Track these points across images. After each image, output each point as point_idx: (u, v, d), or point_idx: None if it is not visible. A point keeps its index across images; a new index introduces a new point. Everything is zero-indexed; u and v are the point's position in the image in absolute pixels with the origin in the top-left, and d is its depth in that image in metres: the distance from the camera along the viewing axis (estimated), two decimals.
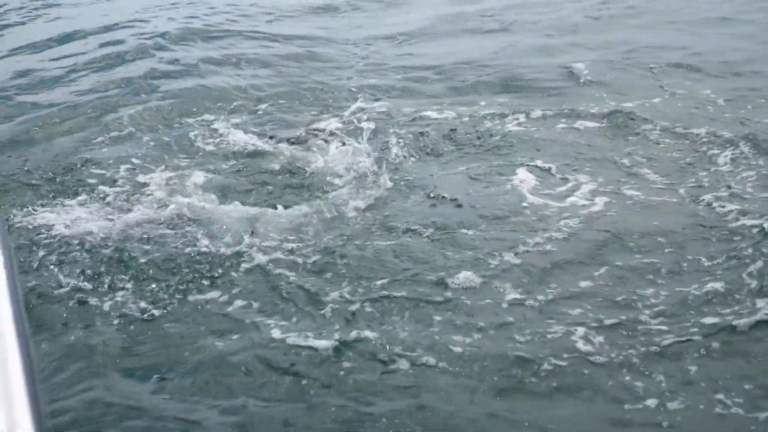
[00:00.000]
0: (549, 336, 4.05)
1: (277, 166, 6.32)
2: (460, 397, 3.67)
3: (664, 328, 4.05)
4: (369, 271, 4.72)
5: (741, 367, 3.75)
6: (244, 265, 4.82)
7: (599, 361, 3.84)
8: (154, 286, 4.65)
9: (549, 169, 6.00)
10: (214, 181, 6.01)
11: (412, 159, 6.32)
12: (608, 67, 8.43)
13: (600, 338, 4.01)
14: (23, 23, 12.01)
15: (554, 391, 3.68)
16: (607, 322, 4.14)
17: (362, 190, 5.78)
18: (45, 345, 4.12)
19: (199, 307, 4.44)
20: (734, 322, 4.02)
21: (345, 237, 5.14)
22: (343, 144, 6.58)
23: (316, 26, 11.01)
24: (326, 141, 6.71)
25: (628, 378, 3.73)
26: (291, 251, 4.96)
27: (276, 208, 5.50)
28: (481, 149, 6.48)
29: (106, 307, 4.46)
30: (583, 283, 4.50)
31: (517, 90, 7.94)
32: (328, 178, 6.02)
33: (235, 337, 4.18)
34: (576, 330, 4.07)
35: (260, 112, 7.66)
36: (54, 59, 9.77)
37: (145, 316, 4.38)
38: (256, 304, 4.46)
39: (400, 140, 6.68)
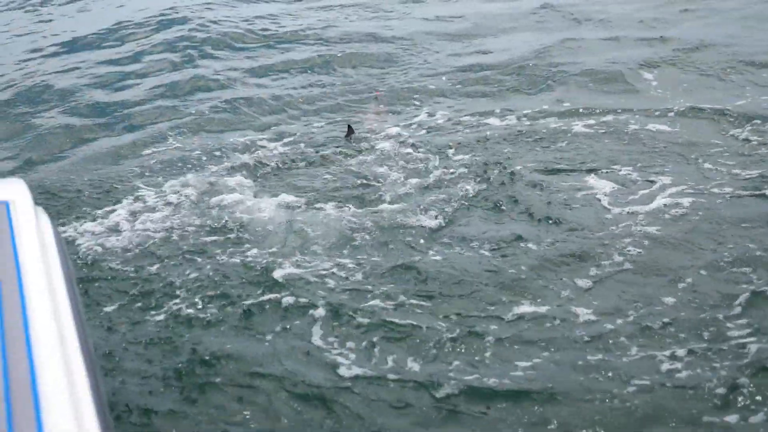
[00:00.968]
0: (637, 364, 3.73)
1: (331, 173, 6.14)
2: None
3: None
4: (426, 289, 4.44)
5: None
6: (293, 275, 4.63)
7: (702, 391, 3.52)
8: (201, 294, 4.51)
9: (625, 173, 5.69)
10: (263, 188, 5.88)
11: (476, 164, 6.04)
12: (680, 63, 8.07)
13: (698, 366, 3.68)
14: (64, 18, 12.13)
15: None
16: (699, 347, 3.81)
17: (422, 197, 5.56)
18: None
19: (245, 318, 4.29)
20: None
21: (404, 250, 4.89)
22: (402, 147, 6.41)
23: (367, 23, 10.88)
24: (384, 145, 6.56)
25: (739, 414, 3.40)
26: (342, 264, 4.74)
27: (330, 217, 5.31)
28: (550, 153, 6.19)
29: (155, 314, 4.37)
30: (676, 302, 4.17)
31: (583, 89, 7.63)
32: (385, 186, 5.79)
33: (280, 348, 4.02)
34: (667, 356, 3.76)
35: (312, 116, 7.54)
36: (98, 63, 9.82)
37: (193, 323, 4.27)
38: (305, 321, 4.22)
39: (462, 144, 6.44)
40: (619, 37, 9.25)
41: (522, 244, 4.85)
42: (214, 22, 10.87)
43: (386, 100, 7.75)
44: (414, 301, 4.34)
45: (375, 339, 4.04)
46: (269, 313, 4.33)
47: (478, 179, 5.79)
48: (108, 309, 4.46)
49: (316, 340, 4.08)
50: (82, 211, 5.71)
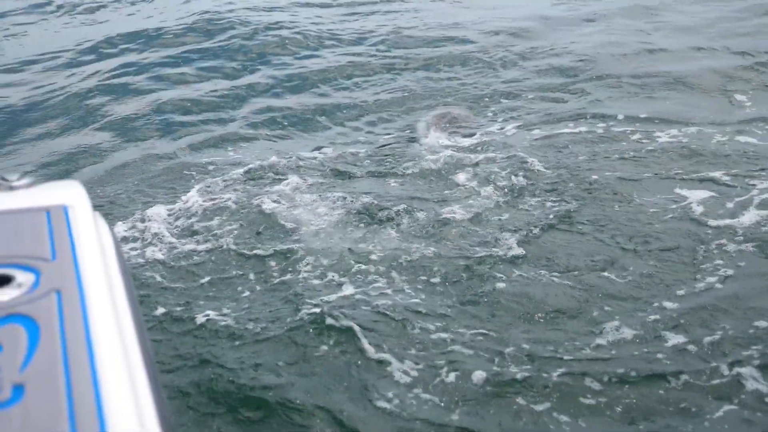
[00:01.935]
0: (735, 411, 3.48)
1: (392, 185, 5.91)
2: None
3: None
4: (497, 319, 4.12)
5: None
6: (345, 296, 4.35)
7: None
8: (249, 303, 4.38)
9: (717, 184, 5.39)
10: (318, 200, 5.66)
11: (553, 177, 5.72)
12: (761, 68, 7.80)
13: None
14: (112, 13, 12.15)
15: None
16: None
17: (493, 213, 5.27)
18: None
19: (293, 333, 4.09)
20: None
21: (472, 273, 4.55)
22: (471, 157, 6.17)
23: (437, 22, 10.71)
24: (451, 155, 6.33)
25: None
26: (400, 286, 4.47)
27: (389, 233, 5.07)
28: (633, 164, 5.87)
29: (203, 321, 4.23)
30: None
31: (666, 98, 7.30)
32: (452, 199, 5.49)
33: (325, 373, 3.80)
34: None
35: (374, 123, 7.38)
36: (165, 63, 9.83)
37: (234, 339, 4.10)
38: (355, 346, 3.94)
39: (538, 155, 6.14)
40: (705, 47, 8.90)
41: (607, 266, 4.55)
42: (273, 26, 10.83)
43: (455, 106, 7.52)
44: (481, 331, 4.01)
45: (434, 375, 3.72)
46: (316, 335, 4.07)
47: (557, 193, 5.51)
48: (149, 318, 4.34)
49: (367, 369, 3.79)
50: (132, 212, 5.62)
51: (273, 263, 4.83)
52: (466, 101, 7.73)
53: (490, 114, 7.33)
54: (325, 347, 3.97)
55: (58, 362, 1.21)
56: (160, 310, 4.39)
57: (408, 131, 7.05)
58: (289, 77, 8.89)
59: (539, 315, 4.18)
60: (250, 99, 8.26)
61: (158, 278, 4.74)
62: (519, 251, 4.75)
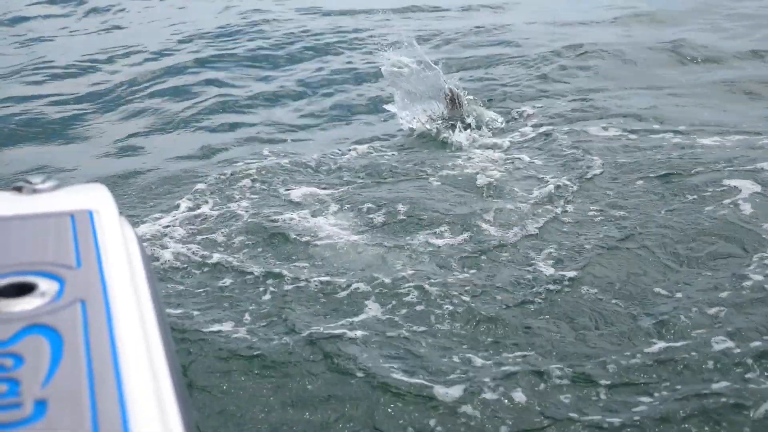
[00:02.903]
0: None
1: (421, 191, 5.76)
2: None
3: None
4: (537, 348, 3.90)
5: None
6: (370, 317, 4.19)
7: None
8: (263, 318, 4.25)
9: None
10: (342, 208, 5.56)
11: (603, 188, 5.55)
12: None
13: None
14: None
15: None
16: None
17: (535, 226, 5.04)
18: None
19: (311, 349, 3.99)
20: None
21: (510, 295, 4.34)
22: (510, 161, 6.08)
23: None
24: (487, 157, 6.23)
25: None
26: (431, 309, 4.26)
27: (419, 247, 4.86)
28: (674, 169, 5.74)
29: (215, 337, 4.14)
30: None
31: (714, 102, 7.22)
32: (487, 210, 5.30)
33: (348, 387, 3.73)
34: None
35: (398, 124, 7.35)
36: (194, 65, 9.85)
37: (252, 348, 4.02)
38: (384, 373, 3.78)
39: (584, 162, 6.01)
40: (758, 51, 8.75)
41: (646, 280, 4.39)
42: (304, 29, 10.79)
43: (488, 108, 7.42)
44: (518, 365, 3.79)
45: (473, 401, 3.58)
46: (338, 350, 3.96)
47: (609, 207, 5.30)
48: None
49: (399, 398, 3.65)
50: (144, 215, 5.59)
51: (287, 272, 4.70)
52: (502, 102, 7.62)
53: (524, 115, 7.23)
54: (349, 378, 3.85)
55: (83, 377, 1.16)
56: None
57: (435, 133, 6.95)
58: (319, 80, 8.84)
59: (584, 333, 4.04)
60: (276, 102, 8.22)
61: (165, 283, 4.68)
62: (563, 276, 4.55)
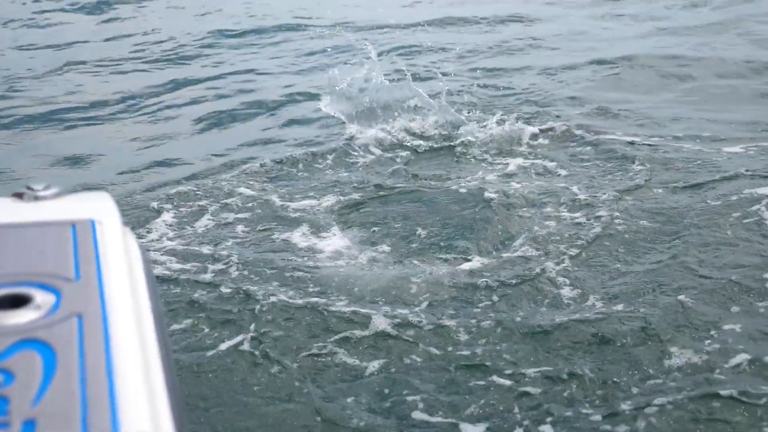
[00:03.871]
0: None
1: (436, 204, 5.62)
2: None
3: None
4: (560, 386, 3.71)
5: None
6: (383, 334, 4.10)
7: None
8: (267, 339, 4.15)
9: None
10: (346, 224, 5.42)
11: (633, 204, 5.38)
12: None
13: None
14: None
15: None
16: None
17: (559, 247, 4.88)
18: None
19: (313, 371, 3.90)
20: None
21: (530, 316, 4.19)
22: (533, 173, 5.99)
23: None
24: (505, 166, 6.09)
25: None
26: (447, 333, 4.12)
27: (435, 267, 4.69)
28: (697, 178, 5.67)
29: (215, 357, 4.03)
30: None
31: None
32: (506, 226, 5.17)
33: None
34: None
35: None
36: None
37: (255, 368, 3.93)
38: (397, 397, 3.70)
39: (611, 172, 5.92)
40: None
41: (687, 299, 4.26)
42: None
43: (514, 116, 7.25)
44: (538, 385, 3.69)
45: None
46: (349, 373, 3.86)
47: (646, 221, 5.17)
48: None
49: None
50: (150, 226, 5.52)
51: (291, 292, 4.58)
52: (523, 109, 7.56)
53: (548, 126, 7.13)
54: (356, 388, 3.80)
55: (75, 396, 1.10)
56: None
57: (456, 139, 6.86)
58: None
59: (608, 349, 3.95)
60: (271, 111, 8.17)
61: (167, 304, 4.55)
62: (584, 299, 4.42)
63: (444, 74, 7.45)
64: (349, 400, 3.71)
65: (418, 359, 3.95)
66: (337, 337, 4.14)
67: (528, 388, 3.72)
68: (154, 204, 5.92)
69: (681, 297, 4.29)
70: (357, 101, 7.27)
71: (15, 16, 12.47)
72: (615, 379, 3.72)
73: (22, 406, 1.08)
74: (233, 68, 9.84)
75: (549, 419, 3.51)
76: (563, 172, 6.07)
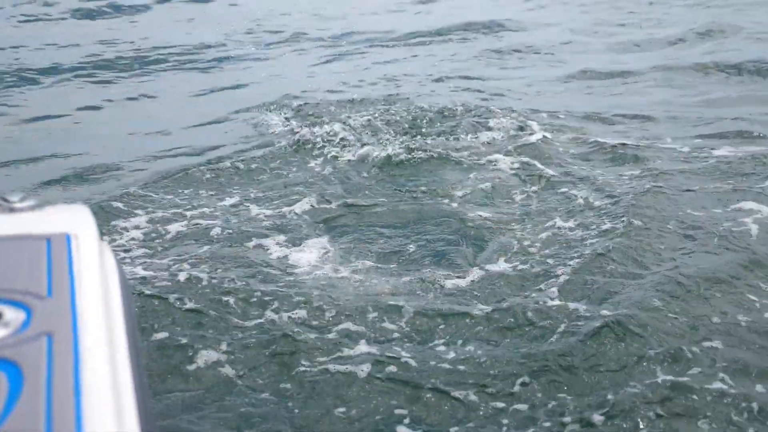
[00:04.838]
0: None
1: (424, 216, 5.52)
2: None
3: None
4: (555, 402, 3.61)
5: None
6: (363, 354, 3.95)
7: None
8: (248, 358, 4.00)
9: None
10: (332, 235, 5.27)
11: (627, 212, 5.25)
12: None
13: None
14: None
15: None
16: None
17: (549, 259, 4.78)
18: None
19: (298, 383, 3.79)
20: None
21: (524, 334, 4.07)
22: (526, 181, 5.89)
23: None
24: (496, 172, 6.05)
25: None
26: (436, 350, 4.01)
27: (422, 282, 4.59)
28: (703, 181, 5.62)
29: (198, 364, 3.94)
30: None
31: None
32: (495, 240, 5.04)
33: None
34: None
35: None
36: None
37: (233, 390, 3.80)
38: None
39: (608, 179, 5.83)
40: None
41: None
42: None
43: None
44: (529, 404, 3.60)
45: None
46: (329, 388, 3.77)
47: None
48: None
49: None
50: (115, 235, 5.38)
51: (270, 306, 4.45)
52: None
53: (554, 125, 7.17)
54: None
55: (40, 419, 1.07)
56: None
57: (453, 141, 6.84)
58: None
59: (609, 368, 3.85)
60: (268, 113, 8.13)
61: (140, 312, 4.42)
62: (577, 310, 4.31)
63: (436, 80, 7.41)
64: (328, 414, 3.66)
65: (402, 373, 3.89)
66: (318, 353, 4.03)
67: (516, 404, 3.64)
68: (121, 206, 5.82)
69: (676, 301, 4.27)
70: (334, 107, 7.30)
71: None
72: (609, 396, 3.66)
73: None
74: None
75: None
76: (553, 175, 6.04)
